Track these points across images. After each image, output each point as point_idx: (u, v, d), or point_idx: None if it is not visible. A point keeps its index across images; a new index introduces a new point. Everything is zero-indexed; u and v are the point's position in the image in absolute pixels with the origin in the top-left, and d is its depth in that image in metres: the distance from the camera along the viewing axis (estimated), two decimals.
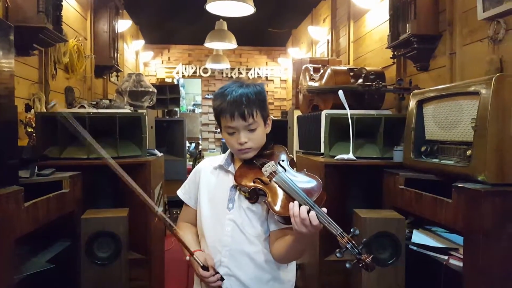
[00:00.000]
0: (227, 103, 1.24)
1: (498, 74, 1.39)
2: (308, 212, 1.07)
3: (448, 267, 1.54)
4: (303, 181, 1.20)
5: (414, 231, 1.83)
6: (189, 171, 1.48)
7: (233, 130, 1.26)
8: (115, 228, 1.77)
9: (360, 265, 1.02)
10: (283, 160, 1.29)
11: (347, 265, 1.03)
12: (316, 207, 1.09)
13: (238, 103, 1.23)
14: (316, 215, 1.07)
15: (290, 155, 1.33)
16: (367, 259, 1.01)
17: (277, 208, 1.15)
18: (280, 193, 1.18)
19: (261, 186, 1.22)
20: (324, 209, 1.09)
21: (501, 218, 1.32)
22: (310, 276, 2.33)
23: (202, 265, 1.22)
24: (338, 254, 1.04)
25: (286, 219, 1.13)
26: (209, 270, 1.22)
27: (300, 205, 1.09)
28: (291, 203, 1.10)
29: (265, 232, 1.26)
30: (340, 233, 1.04)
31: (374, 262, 1.02)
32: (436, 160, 1.71)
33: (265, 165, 1.26)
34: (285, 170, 1.25)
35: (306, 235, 1.09)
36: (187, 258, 1.27)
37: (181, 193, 1.42)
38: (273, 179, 1.21)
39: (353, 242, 1.03)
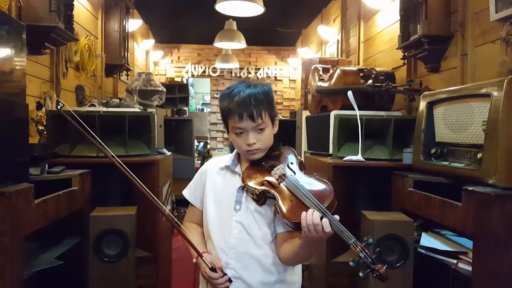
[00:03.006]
0: (235, 104, 1.22)
1: (510, 76, 1.37)
2: (321, 219, 1.06)
3: (457, 271, 1.52)
4: (314, 186, 1.18)
5: (423, 234, 1.81)
6: (197, 170, 1.48)
7: (241, 131, 1.24)
8: (123, 226, 1.78)
9: (374, 275, 1.00)
10: (292, 163, 1.27)
11: (360, 274, 1.01)
12: (328, 213, 1.07)
13: (247, 103, 1.21)
14: (329, 222, 1.05)
15: (299, 158, 1.31)
16: (381, 269, 1.00)
17: (287, 213, 1.13)
18: (290, 198, 1.16)
19: (270, 189, 1.20)
20: (337, 217, 1.07)
21: (511, 222, 1.30)
22: (317, 277, 2.33)
23: (210, 266, 1.21)
24: (351, 264, 1.02)
25: (296, 224, 1.11)
26: (217, 271, 1.21)
27: (313, 212, 1.07)
28: (304, 211, 1.08)
29: (272, 234, 1.25)
30: (353, 242, 1.03)
31: (388, 272, 1.00)
32: (446, 163, 1.69)
33: (274, 168, 1.24)
34: (295, 173, 1.23)
35: (316, 241, 1.08)
36: (194, 260, 1.27)
37: (187, 193, 1.42)
38: (283, 182, 1.20)
39: (366, 251, 1.02)
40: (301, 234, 1.10)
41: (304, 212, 1.08)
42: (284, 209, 1.14)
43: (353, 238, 1.04)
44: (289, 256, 1.22)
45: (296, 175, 1.23)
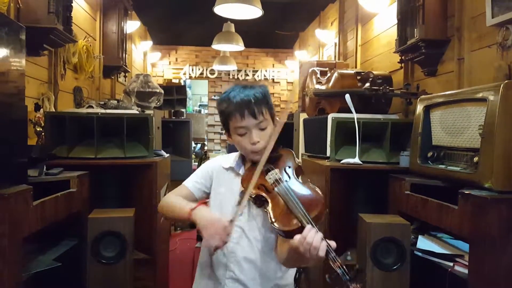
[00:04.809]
0: (235, 104, 1.23)
1: (506, 81, 1.39)
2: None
3: (453, 274, 1.53)
4: (305, 194, 1.17)
5: (420, 237, 1.83)
6: (194, 171, 1.46)
7: (244, 131, 1.24)
8: (121, 228, 1.78)
9: None
10: (289, 167, 1.27)
11: None
12: (314, 226, 1.05)
13: (246, 102, 1.22)
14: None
15: (298, 161, 1.31)
16: None
17: (276, 219, 1.13)
18: (281, 204, 1.15)
19: (264, 193, 1.20)
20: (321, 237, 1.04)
21: (507, 226, 1.31)
22: (314, 279, 2.33)
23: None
24: (328, 279, 0.99)
25: (285, 232, 1.11)
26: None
27: (316, 232, 1.03)
28: (307, 226, 1.04)
29: (273, 238, 1.26)
30: (333, 257, 1.00)
31: None
32: (443, 166, 1.70)
33: (269, 172, 1.24)
34: (290, 178, 1.23)
35: (303, 257, 1.03)
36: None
37: (189, 182, 1.38)
38: (275, 188, 1.19)
39: (344, 267, 0.99)
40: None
41: (307, 229, 1.03)
42: (273, 215, 1.14)
43: (333, 253, 1.01)
44: (281, 258, 1.19)
45: (291, 180, 1.22)
